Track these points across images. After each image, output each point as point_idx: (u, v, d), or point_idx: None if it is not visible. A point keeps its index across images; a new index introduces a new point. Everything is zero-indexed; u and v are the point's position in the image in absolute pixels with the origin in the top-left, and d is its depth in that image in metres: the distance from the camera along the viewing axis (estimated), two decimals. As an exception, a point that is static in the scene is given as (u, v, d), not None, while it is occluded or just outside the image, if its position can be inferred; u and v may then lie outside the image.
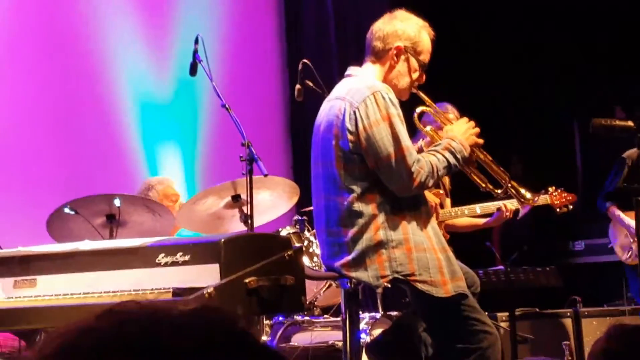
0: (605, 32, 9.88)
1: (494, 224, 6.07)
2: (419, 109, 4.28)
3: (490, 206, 5.92)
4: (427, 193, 5.53)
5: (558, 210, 5.99)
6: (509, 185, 4.24)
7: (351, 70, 4.16)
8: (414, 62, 4.07)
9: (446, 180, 5.94)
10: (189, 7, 7.24)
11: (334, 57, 8.07)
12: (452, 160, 3.99)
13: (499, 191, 4.25)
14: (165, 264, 3.24)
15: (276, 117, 8.03)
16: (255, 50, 7.87)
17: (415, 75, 4.09)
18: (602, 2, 9.88)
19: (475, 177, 4.25)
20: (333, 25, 8.28)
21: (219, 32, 7.40)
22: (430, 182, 3.93)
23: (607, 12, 9.85)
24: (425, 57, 4.11)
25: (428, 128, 4.34)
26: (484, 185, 4.25)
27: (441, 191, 5.83)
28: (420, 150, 4.32)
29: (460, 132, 4.09)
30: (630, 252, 6.65)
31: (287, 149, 7.90)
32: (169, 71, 7.01)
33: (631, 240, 6.64)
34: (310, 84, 5.34)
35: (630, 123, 4.98)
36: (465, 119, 4.20)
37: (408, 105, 4.27)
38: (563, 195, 6.06)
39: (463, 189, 5.94)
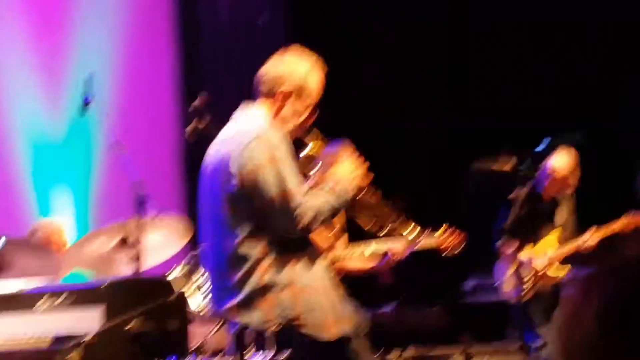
0: (494, 72, 10.11)
1: (381, 270, 6.05)
2: (306, 150, 4.30)
3: (381, 247, 5.94)
4: (319, 235, 5.59)
5: (446, 251, 6.06)
6: (396, 224, 4.28)
7: (239, 112, 4.17)
8: (301, 104, 4.08)
9: (336, 221, 5.95)
10: (82, 46, 7.19)
11: (230, 97, 8.08)
12: (337, 203, 4.01)
13: (386, 230, 4.28)
14: (46, 310, 3.20)
15: (171, 157, 8.01)
16: (150, 89, 7.85)
17: (302, 118, 4.10)
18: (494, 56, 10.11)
19: (363, 217, 4.29)
20: (231, 65, 8.31)
21: (113, 71, 7.37)
22: (315, 225, 3.95)
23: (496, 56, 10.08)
24: (313, 99, 4.11)
25: (315, 169, 4.34)
26: (370, 224, 4.28)
27: (332, 232, 5.85)
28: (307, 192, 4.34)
29: (346, 173, 4.12)
30: (517, 290, 6.80)
31: (182, 189, 7.88)
32: (62, 110, 6.94)
33: (517, 277, 6.79)
34: (204, 124, 5.34)
35: (508, 167, 5.11)
36: (351, 160, 4.21)
37: (297, 146, 4.30)
38: (452, 236, 6.12)
39: (353, 232, 6.00)
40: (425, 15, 9.97)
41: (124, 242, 5.24)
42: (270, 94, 4.07)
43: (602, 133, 9.31)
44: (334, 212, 4.04)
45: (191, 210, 7.29)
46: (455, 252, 6.06)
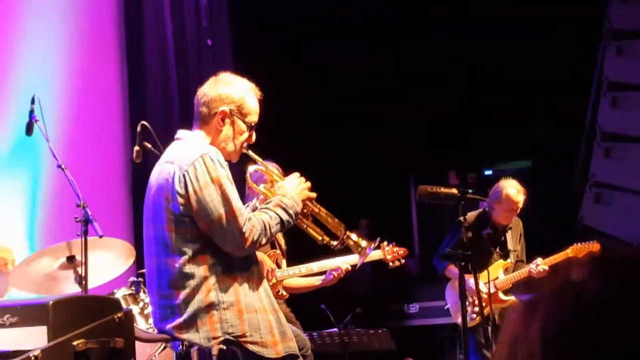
0: (444, 97, 10.24)
1: (329, 283, 6.12)
2: (250, 168, 4.33)
3: (326, 265, 5.99)
4: (263, 257, 5.62)
5: (391, 264, 6.11)
6: (345, 236, 4.31)
7: (180, 133, 4.19)
8: (240, 124, 4.11)
9: (281, 240, 6.00)
10: (27, 64, 7.15)
11: (176, 118, 8.09)
12: (285, 217, 4.05)
13: (336, 243, 4.31)
14: (-9, 327, 3.18)
15: (117, 178, 7.97)
16: (96, 110, 7.81)
17: (243, 137, 4.14)
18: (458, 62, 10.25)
19: (312, 231, 4.31)
20: (175, 87, 8.31)
21: (58, 92, 7.32)
22: (264, 240, 3.98)
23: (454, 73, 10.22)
24: (253, 117, 4.15)
25: (261, 187, 4.37)
26: (320, 238, 4.31)
27: (278, 251, 5.90)
28: (255, 210, 4.36)
29: (291, 187, 4.16)
30: (465, 314, 6.84)
31: (128, 209, 7.85)
32: (6, 129, 6.88)
33: (468, 301, 6.85)
34: (149, 145, 5.35)
35: (454, 191, 5.16)
36: (296, 174, 4.25)
37: (240, 165, 4.33)
38: (394, 249, 6.19)
39: (299, 249, 6.04)
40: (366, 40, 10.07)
41: (69, 261, 5.23)
42: (210, 116, 4.09)
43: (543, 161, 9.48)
44: (283, 225, 4.06)
45: (137, 231, 7.28)
46: (399, 264, 6.13)
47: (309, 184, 4.23)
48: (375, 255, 6.09)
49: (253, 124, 4.15)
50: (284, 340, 4.00)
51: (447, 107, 10.23)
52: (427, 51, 10.38)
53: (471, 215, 6.99)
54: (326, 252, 6.03)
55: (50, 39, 7.45)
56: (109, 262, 5.45)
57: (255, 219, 3.96)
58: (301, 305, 6.09)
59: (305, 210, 4.22)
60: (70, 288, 5.30)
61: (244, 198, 4.55)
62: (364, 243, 4.33)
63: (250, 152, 4.23)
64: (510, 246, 7.01)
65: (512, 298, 6.93)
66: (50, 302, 3.22)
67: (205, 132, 4.11)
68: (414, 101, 10.52)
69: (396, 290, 9.27)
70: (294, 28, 9.98)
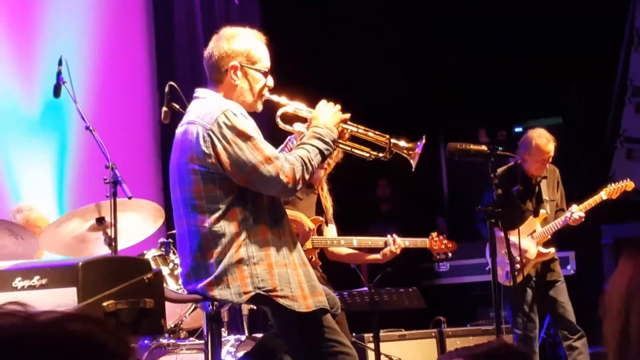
0: (473, 55, 10.16)
1: (381, 261, 6.05)
2: (279, 112, 4.27)
3: (368, 240, 5.95)
4: (302, 216, 5.59)
5: (437, 256, 6.09)
6: (391, 144, 4.27)
7: (199, 92, 4.16)
8: (254, 74, 4.07)
9: (329, 207, 5.92)
10: (55, 27, 7.15)
11: (204, 78, 8.07)
12: (323, 146, 4.03)
13: (383, 154, 4.27)
14: (22, 288, 3.20)
15: (146, 139, 7.98)
16: (124, 72, 7.81)
17: (260, 84, 4.10)
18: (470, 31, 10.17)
19: (357, 151, 4.28)
20: (203, 47, 8.28)
21: (86, 54, 7.32)
22: (307, 175, 3.96)
23: (470, 40, 10.13)
24: (264, 63, 4.11)
25: (295, 126, 4.31)
26: (367, 155, 4.27)
27: (321, 218, 5.83)
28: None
29: (323, 115, 4.12)
30: (505, 272, 6.83)
31: (157, 171, 7.86)
32: (35, 92, 6.90)
33: (507, 260, 6.82)
34: (177, 106, 5.34)
35: (484, 147, 5.12)
36: (323, 101, 4.19)
37: (269, 111, 4.30)
38: (444, 242, 6.14)
39: (337, 214, 6.02)
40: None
41: (99, 223, 5.24)
42: (221, 74, 4.06)
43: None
44: (323, 154, 4.05)
45: (166, 192, 7.30)
46: (445, 258, 6.11)
47: (339, 106, 4.18)
48: (421, 243, 6.07)
49: (266, 69, 4.12)
50: (314, 295, 3.99)
51: (476, 64, 10.14)
52: (457, 8, 10.28)
53: (499, 170, 6.93)
54: (364, 218, 6.01)
55: (77, 1, 7.44)
56: (138, 223, 5.46)
57: (292, 157, 3.95)
58: (332, 266, 6.08)
59: (342, 134, 4.19)
60: (100, 250, 5.32)
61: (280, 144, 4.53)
62: (410, 144, 4.27)
63: (274, 97, 4.19)
64: (545, 196, 6.91)
65: (552, 250, 6.85)
66: (80, 263, 3.23)
67: (223, 91, 4.08)
68: (443, 59, 10.45)
69: (426, 249, 9.25)
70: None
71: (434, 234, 6.12)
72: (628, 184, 6.72)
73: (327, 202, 5.86)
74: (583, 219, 6.70)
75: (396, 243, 5.88)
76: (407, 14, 10.31)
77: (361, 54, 9.92)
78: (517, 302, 6.72)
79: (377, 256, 5.98)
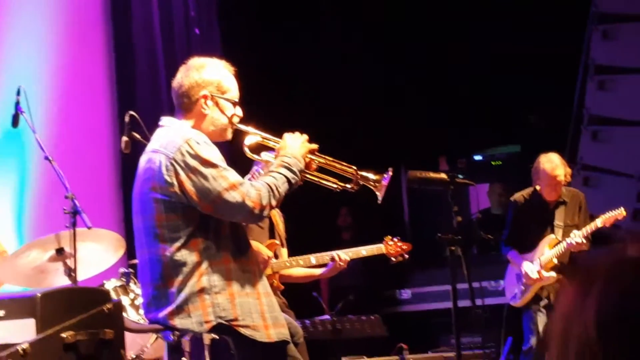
0: (433, 82, 10.24)
1: (329, 274, 6.08)
2: (247, 141, 4.28)
3: (325, 256, 5.95)
4: (259, 246, 5.59)
5: (393, 259, 6.10)
6: (358, 176, 4.28)
7: (164, 120, 4.16)
8: (224, 103, 4.10)
9: (282, 229, 5.95)
10: (12, 56, 7.12)
11: (164, 108, 8.07)
12: (290, 175, 4.04)
13: (350, 185, 4.28)
14: (-20, 320, 3.17)
15: (106, 169, 7.94)
16: (83, 101, 7.77)
17: (230, 114, 4.12)
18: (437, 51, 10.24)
19: (325, 182, 4.28)
20: (164, 77, 8.29)
21: (44, 83, 7.28)
22: (274, 202, 3.96)
23: (439, 63, 10.21)
24: (233, 92, 4.14)
25: (263, 155, 4.32)
26: (335, 186, 4.28)
27: (277, 241, 5.85)
28: None
29: (290, 145, 4.14)
30: (515, 294, 6.95)
31: (118, 201, 7.82)
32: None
33: (519, 282, 6.90)
34: (138, 136, 5.33)
35: (443, 175, 5.16)
36: (290, 133, 4.21)
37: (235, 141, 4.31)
38: (398, 244, 6.16)
39: (299, 240, 6.03)
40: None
41: (58, 254, 5.20)
42: (192, 103, 4.08)
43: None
44: (290, 183, 4.04)
45: (127, 222, 7.27)
46: (402, 259, 6.12)
47: (306, 136, 4.20)
48: (377, 250, 6.09)
49: (236, 99, 4.15)
50: (276, 326, 3.99)
51: (436, 92, 10.23)
52: (413, 37, 10.37)
53: (521, 194, 7.01)
54: (326, 244, 6.03)
55: (36, 30, 7.41)
56: (98, 253, 5.43)
57: (259, 183, 3.96)
58: (293, 294, 6.09)
59: (309, 164, 4.21)
60: (60, 281, 5.28)
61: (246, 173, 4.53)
62: (377, 177, 4.28)
63: (242, 126, 4.21)
64: (559, 221, 6.94)
65: (552, 274, 6.87)
66: (38, 295, 3.21)
67: (191, 120, 4.09)
68: (403, 88, 10.52)
69: (388, 276, 9.28)
70: (282, 16, 9.96)
71: (388, 238, 6.12)
72: (620, 213, 6.78)
73: (280, 226, 5.88)
74: (583, 246, 6.73)
75: (342, 259, 5.88)
76: (367, 46, 10.40)
77: (322, 83, 9.97)
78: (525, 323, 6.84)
79: (324, 270, 5.99)
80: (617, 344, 1.22)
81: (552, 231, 6.94)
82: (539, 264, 6.83)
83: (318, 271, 6.02)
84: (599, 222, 6.76)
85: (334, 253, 5.87)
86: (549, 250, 6.87)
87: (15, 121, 5.29)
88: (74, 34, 7.75)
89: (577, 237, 6.69)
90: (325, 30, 10.24)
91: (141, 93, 8.18)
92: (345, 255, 5.89)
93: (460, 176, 5.33)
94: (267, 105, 7.34)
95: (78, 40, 7.78)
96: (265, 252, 5.62)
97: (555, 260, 6.84)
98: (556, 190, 6.88)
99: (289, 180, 4.03)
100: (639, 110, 9.00)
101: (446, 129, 10.34)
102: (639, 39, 9.12)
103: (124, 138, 5.32)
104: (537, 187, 6.95)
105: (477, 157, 10.79)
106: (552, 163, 6.83)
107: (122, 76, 8.14)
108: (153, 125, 4.26)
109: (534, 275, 6.80)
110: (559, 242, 6.86)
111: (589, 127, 9.21)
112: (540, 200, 6.95)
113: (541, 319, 6.83)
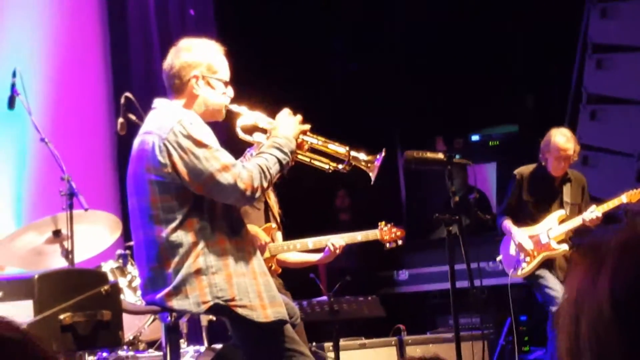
0: (430, 63, 10.21)
1: (326, 260, 6.07)
2: (239, 122, 4.27)
3: (322, 240, 5.95)
4: (257, 230, 5.57)
5: (387, 245, 6.09)
6: (350, 157, 4.27)
7: (156, 102, 4.16)
8: (215, 83, 4.09)
9: (277, 213, 5.92)
10: (8, 39, 7.08)
11: (159, 89, 8.02)
12: (281, 155, 4.03)
13: (342, 166, 4.27)
14: (-23, 302, 3.16)
15: (102, 151, 7.92)
16: (79, 83, 7.75)
17: (221, 93, 4.12)
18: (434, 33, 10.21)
19: (317, 163, 4.28)
20: (159, 58, 8.24)
21: (40, 65, 7.25)
22: (265, 183, 3.95)
23: (435, 44, 10.19)
24: (224, 72, 4.13)
25: (254, 136, 4.31)
26: (327, 167, 4.28)
27: (273, 225, 5.83)
28: None
29: (283, 125, 4.13)
30: (515, 266, 6.91)
31: (114, 182, 7.80)
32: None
33: (518, 254, 6.88)
34: (133, 117, 5.32)
35: (440, 155, 5.14)
36: (285, 111, 4.20)
37: (228, 122, 4.29)
38: (392, 230, 6.15)
39: (297, 222, 6.02)
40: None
41: (55, 236, 5.19)
42: (183, 84, 4.06)
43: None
44: (282, 164, 4.04)
45: (123, 203, 7.25)
46: (396, 245, 6.13)
47: (299, 117, 4.19)
48: (371, 235, 6.08)
49: (226, 79, 4.13)
50: (273, 305, 3.98)
51: (434, 72, 10.19)
52: (413, 15, 10.34)
53: (526, 168, 6.97)
54: (324, 226, 6.01)
55: (31, 11, 7.38)
56: (95, 235, 5.42)
57: (250, 165, 3.95)
58: (291, 276, 6.07)
59: (301, 145, 4.19)
60: (57, 262, 5.27)
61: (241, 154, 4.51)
62: (369, 157, 4.27)
63: (234, 107, 4.19)
64: (567, 198, 6.92)
65: (564, 247, 6.85)
66: (36, 276, 3.20)
67: (183, 100, 4.08)
68: (400, 67, 10.49)
69: (385, 258, 9.27)
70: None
71: (382, 224, 6.13)
72: None
73: (275, 209, 5.87)
74: (600, 220, 6.71)
75: (336, 246, 5.88)
76: (364, 26, 10.36)
77: (319, 63, 9.95)
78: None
79: (320, 256, 5.98)
80: (634, 319, 1.20)
81: (561, 206, 6.92)
82: (547, 236, 6.81)
83: (314, 257, 6.01)
84: (624, 198, 6.71)
85: (329, 242, 5.87)
86: (558, 225, 6.85)
87: (11, 103, 5.27)
88: (69, 16, 7.72)
89: (596, 212, 6.68)
90: (322, 7, 10.18)
91: (136, 75, 8.16)
92: (340, 240, 5.88)
93: (457, 156, 5.32)
94: (262, 86, 7.31)
95: (72, 22, 7.74)
96: (263, 238, 5.61)
97: (563, 234, 6.85)
98: (563, 165, 6.84)
99: (279, 161, 4.02)
100: (637, 89, 8.97)
101: (443, 109, 10.32)
102: (638, 16, 9.08)
103: (120, 120, 5.31)
104: (543, 163, 6.92)
105: (474, 137, 10.77)
106: (565, 136, 6.82)
107: (117, 58, 8.11)
108: (148, 107, 4.24)
109: (529, 247, 6.79)
110: (566, 218, 6.86)
111: (587, 106, 9.19)
112: (546, 174, 6.91)
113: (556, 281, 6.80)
